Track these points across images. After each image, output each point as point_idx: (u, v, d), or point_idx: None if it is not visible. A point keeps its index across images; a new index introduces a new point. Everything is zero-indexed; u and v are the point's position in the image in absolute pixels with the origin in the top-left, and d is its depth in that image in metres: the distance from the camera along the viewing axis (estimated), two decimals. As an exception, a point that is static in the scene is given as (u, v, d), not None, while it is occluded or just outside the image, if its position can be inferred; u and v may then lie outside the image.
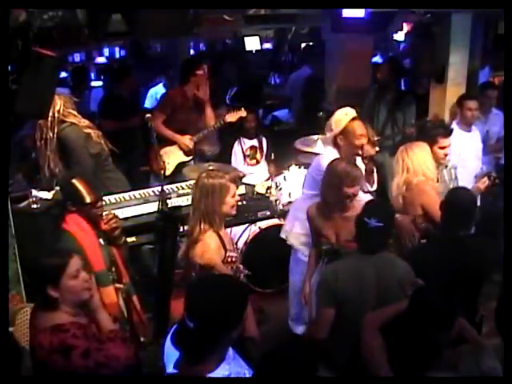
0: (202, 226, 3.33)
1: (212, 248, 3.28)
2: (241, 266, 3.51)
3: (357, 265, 3.20)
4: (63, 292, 2.53)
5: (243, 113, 5.60)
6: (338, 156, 4.12)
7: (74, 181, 3.30)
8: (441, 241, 3.58)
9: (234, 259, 3.42)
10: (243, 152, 5.82)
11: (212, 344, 2.20)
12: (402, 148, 4.29)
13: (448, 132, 4.47)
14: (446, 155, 4.36)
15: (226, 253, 3.35)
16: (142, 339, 3.53)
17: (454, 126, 5.19)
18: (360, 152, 4.16)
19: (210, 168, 4.46)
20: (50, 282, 2.51)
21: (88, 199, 3.26)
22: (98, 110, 6.50)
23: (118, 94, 6.39)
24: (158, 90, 7.48)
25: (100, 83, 8.37)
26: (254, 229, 5.10)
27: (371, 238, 3.17)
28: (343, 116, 4.17)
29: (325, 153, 4.30)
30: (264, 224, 5.06)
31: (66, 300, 2.56)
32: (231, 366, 2.27)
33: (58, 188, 4.21)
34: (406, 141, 5.23)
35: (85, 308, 2.70)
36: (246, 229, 5.10)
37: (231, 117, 5.58)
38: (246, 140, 5.85)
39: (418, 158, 4.14)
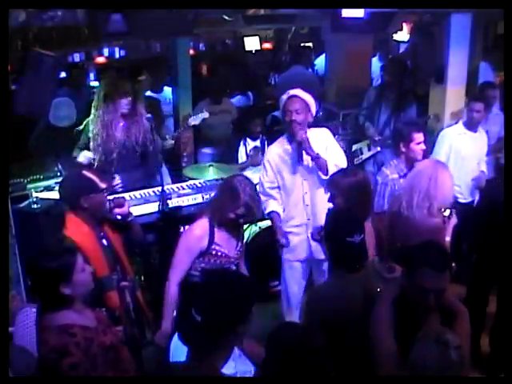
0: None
1: (194, 232, 3.38)
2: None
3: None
4: (75, 287, 2.52)
5: (206, 114, 5.41)
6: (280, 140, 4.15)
7: (83, 172, 3.36)
8: None
9: (219, 253, 3.41)
10: (246, 152, 5.83)
11: (219, 338, 2.21)
12: (429, 167, 3.79)
13: (420, 126, 4.45)
14: (422, 150, 4.33)
15: (210, 245, 3.37)
16: (148, 336, 3.49)
17: (461, 124, 5.19)
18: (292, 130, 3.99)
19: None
20: (63, 279, 2.49)
21: (103, 185, 3.30)
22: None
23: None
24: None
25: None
26: (255, 229, 5.10)
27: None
28: (285, 95, 4.09)
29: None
30: (264, 224, 5.06)
31: (78, 294, 2.55)
32: (237, 364, 2.29)
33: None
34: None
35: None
36: (246, 229, 5.09)
37: (194, 120, 5.38)
38: (250, 141, 5.86)
39: (445, 189, 3.71)
